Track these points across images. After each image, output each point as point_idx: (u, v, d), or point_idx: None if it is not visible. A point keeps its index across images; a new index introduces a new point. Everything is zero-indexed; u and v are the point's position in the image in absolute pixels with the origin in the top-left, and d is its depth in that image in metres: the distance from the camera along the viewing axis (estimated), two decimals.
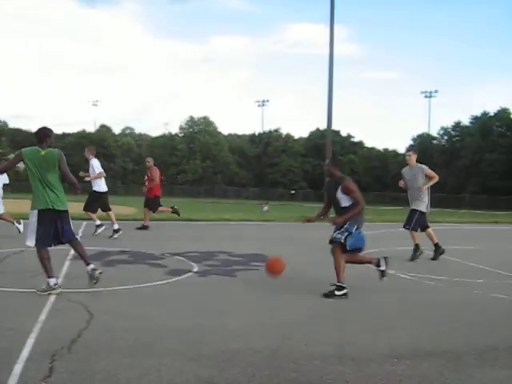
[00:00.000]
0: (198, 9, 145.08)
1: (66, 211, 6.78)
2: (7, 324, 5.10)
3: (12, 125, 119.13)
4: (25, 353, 4.30)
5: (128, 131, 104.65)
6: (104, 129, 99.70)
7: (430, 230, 10.60)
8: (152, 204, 14.65)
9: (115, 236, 12.46)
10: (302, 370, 4.18)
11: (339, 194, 7.10)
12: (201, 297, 6.74)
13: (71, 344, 4.56)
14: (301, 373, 4.13)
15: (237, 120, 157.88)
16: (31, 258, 9.15)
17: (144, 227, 14.49)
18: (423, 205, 10.38)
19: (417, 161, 10.59)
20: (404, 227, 10.59)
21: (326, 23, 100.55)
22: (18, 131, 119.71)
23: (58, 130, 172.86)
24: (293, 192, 73.96)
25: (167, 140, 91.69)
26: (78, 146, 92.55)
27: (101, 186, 12.86)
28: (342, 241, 6.93)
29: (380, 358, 4.56)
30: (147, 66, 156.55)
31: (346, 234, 6.95)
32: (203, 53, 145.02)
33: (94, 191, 12.89)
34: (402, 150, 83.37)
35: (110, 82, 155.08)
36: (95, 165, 12.78)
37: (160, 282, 7.41)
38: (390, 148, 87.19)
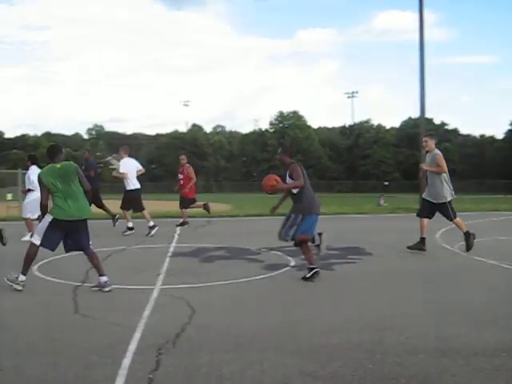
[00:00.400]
0: (282, 3, 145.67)
1: (85, 220, 6.90)
2: (114, 319, 5.29)
3: (108, 128, 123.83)
4: (132, 347, 4.45)
5: (219, 129, 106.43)
6: (196, 128, 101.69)
7: (425, 221, 9.67)
8: (186, 202, 14.61)
9: (127, 233, 12.61)
10: (406, 364, 4.09)
11: (288, 180, 7.50)
12: (299, 291, 6.74)
13: (175, 338, 4.67)
14: (404, 366, 4.04)
15: (326, 113, 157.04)
16: (133, 256, 9.52)
17: (184, 223, 14.44)
18: (447, 192, 9.45)
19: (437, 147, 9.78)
20: (449, 220, 9.68)
21: (413, 9, 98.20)
22: (114, 134, 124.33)
23: (151, 131, 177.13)
24: (386, 183, 72.62)
25: (258, 136, 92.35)
26: (171, 146, 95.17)
27: (134, 184, 13.09)
28: (290, 239, 7.54)
29: (487, 351, 4.38)
30: (235, 64, 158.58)
31: (294, 228, 7.42)
32: (290, 47, 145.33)
33: (128, 190, 13.13)
34: (499, 136, 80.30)
35: (200, 81, 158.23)
36: (122, 164, 13.23)
37: (258, 277, 7.47)
38: (487, 134, 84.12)
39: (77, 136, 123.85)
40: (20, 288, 6.68)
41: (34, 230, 10.49)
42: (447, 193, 9.48)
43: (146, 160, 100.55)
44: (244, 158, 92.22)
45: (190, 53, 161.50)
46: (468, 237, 9.44)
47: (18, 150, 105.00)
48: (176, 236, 12.22)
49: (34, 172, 11.50)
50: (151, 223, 12.60)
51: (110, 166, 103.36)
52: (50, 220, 6.71)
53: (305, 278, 7.25)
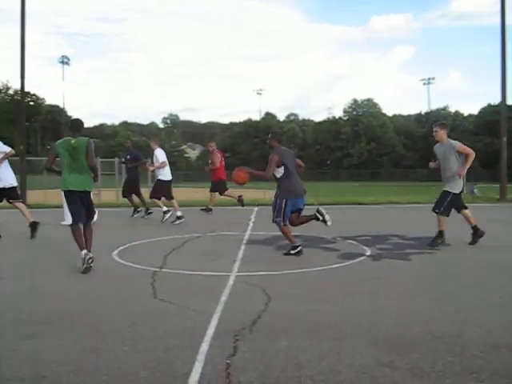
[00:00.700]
0: None
1: (86, 193, 7.54)
2: (191, 305, 5.38)
3: (183, 117, 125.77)
4: (209, 332, 4.51)
5: (292, 117, 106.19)
6: (269, 116, 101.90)
7: (466, 210, 9.18)
8: (218, 187, 14.78)
9: (177, 222, 12.64)
10: (488, 358, 3.96)
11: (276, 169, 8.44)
12: (375, 280, 6.65)
13: (252, 325, 4.71)
14: (486, 361, 3.92)
15: (401, 100, 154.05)
16: (208, 243, 9.65)
17: (208, 209, 14.73)
18: (457, 185, 8.96)
19: (448, 137, 9.20)
20: (433, 211, 9.15)
21: None
22: (189, 123, 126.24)
23: (225, 119, 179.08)
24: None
25: (331, 124, 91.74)
26: (244, 134, 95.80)
27: (166, 174, 13.31)
28: (283, 223, 8.36)
29: None
30: (309, 52, 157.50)
31: (281, 213, 8.33)
32: (364, 34, 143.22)
33: (159, 180, 13.35)
34: None
35: (274, 70, 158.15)
36: (158, 155, 13.28)
37: (334, 266, 7.43)
38: None
39: (152, 125, 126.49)
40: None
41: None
42: (457, 186, 8.99)
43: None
44: (317, 146, 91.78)
45: (264, 41, 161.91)
46: (439, 237, 9.02)
47: (95, 139, 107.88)
48: (251, 224, 12.32)
49: None
50: (179, 213, 12.86)
51: (185, 155, 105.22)
52: (63, 195, 7.62)
53: (286, 254, 8.26)
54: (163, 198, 13.41)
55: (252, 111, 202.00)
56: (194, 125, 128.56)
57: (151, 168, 13.84)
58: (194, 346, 4.18)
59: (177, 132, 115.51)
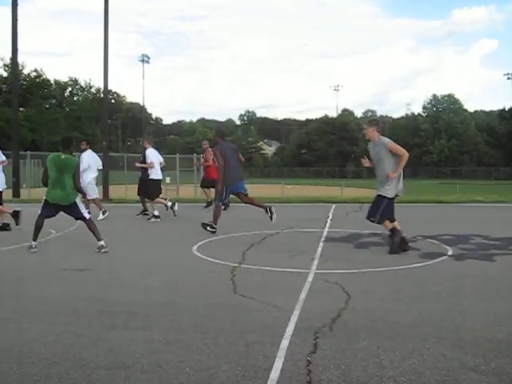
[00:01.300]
0: None
1: (70, 205, 8.42)
2: (271, 301, 5.39)
3: (259, 114, 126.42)
4: (289, 329, 4.51)
5: (369, 114, 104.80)
6: (346, 113, 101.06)
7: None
8: (209, 184, 15.25)
9: (152, 220, 12.86)
10: None
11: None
12: (458, 281, 6.46)
13: (332, 323, 4.68)
14: None
15: (483, 95, 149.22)
16: (287, 239, 9.66)
17: (208, 204, 15.31)
18: (391, 188, 8.13)
19: (382, 134, 8.47)
20: (368, 219, 8.36)
21: None
22: (265, 120, 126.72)
23: (301, 116, 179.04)
24: None
25: (410, 121, 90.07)
26: (320, 131, 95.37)
27: (157, 174, 13.57)
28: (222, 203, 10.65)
29: None
30: (387, 47, 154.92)
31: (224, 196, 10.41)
32: (445, 27, 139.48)
33: (151, 179, 13.44)
34: None
35: (351, 65, 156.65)
36: (147, 154, 13.46)
37: (414, 265, 7.26)
38: None
39: (229, 122, 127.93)
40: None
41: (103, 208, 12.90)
42: (391, 189, 8.20)
43: (295, 145, 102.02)
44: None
45: (341, 37, 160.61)
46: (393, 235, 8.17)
47: (174, 135, 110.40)
48: (329, 221, 12.23)
49: (88, 155, 13.33)
50: (156, 212, 13.05)
51: (262, 151, 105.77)
52: (44, 198, 8.50)
53: (203, 226, 10.16)
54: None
55: (328, 108, 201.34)
56: (271, 121, 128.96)
57: (137, 165, 14.18)
58: (275, 341, 4.19)
59: (253, 129, 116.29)
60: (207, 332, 4.47)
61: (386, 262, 7.45)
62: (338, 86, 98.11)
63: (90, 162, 13.37)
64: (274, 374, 3.61)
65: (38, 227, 8.55)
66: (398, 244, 8.07)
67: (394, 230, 8.17)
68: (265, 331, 4.48)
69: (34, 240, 8.52)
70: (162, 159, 14.20)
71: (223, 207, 11.66)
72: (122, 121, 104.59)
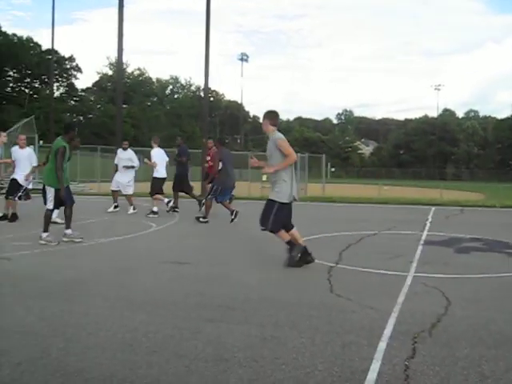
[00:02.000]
0: None
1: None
2: (368, 302, 5.32)
3: (357, 113, 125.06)
4: (387, 331, 4.43)
5: (472, 114, 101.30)
6: (447, 113, 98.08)
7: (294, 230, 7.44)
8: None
9: (150, 216, 13.43)
10: None
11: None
12: None
13: (431, 328, 4.55)
14: None
15: None
16: (384, 241, 9.50)
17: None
18: (281, 192, 7.23)
19: (278, 130, 7.54)
20: (261, 227, 7.42)
21: None
22: (363, 119, 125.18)
23: (400, 116, 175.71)
24: None
25: None
26: (420, 131, 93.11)
27: (160, 172, 14.37)
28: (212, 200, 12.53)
29: None
30: (492, 44, 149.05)
31: (216, 193, 12.36)
32: None
33: (154, 177, 14.39)
34: None
35: (454, 64, 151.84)
36: (153, 154, 14.44)
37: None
38: None
39: (326, 121, 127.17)
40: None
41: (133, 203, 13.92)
42: (283, 193, 7.27)
43: (392, 145, 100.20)
44: (499, 144, 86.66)
45: (444, 34, 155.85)
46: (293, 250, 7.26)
47: None
48: (428, 224, 11.94)
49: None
50: (155, 208, 13.84)
51: (359, 151, 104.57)
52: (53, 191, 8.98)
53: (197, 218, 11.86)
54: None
55: (429, 107, 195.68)
56: (368, 121, 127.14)
57: (147, 161, 15.19)
58: (372, 343, 4.13)
59: (350, 128, 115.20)
60: (303, 330, 4.47)
61: (487, 268, 7.17)
62: (439, 85, 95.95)
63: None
64: (371, 376, 3.56)
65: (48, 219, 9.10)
66: (298, 258, 7.19)
67: (291, 243, 7.29)
68: (361, 332, 4.42)
69: (46, 230, 8.96)
70: (167, 159, 14.94)
71: (228, 201, 13.04)
72: (220, 118, 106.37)
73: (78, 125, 10.24)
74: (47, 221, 8.94)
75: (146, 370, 3.64)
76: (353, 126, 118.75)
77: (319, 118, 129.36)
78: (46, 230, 8.89)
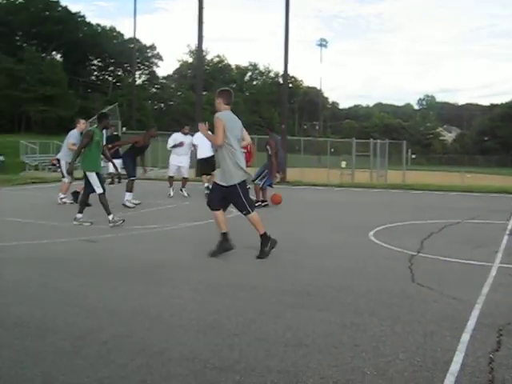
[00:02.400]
0: None
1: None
2: (451, 293, 5.21)
3: (439, 99, 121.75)
4: (471, 323, 4.33)
5: None
6: None
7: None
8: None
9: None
10: None
11: None
12: None
13: None
14: None
15: None
16: (468, 230, 9.26)
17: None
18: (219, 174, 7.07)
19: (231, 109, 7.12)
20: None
21: None
22: (445, 104, 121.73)
23: (484, 101, 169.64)
24: None
25: None
26: (505, 117, 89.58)
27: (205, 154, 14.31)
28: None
29: None
30: None
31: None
32: None
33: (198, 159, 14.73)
34: None
35: None
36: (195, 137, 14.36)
37: None
38: None
39: (407, 106, 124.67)
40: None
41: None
42: (221, 175, 6.93)
43: (476, 132, 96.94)
44: None
45: None
46: (264, 242, 6.93)
47: (350, 120, 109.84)
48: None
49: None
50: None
51: (441, 137, 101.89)
52: (95, 174, 9.46)
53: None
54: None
55: None
56: (451, 106, 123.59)
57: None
58: (455, 335, 4.05)
59: (432, 114, 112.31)
60: (384, 318, 4.44)
61: None
62: None
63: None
64: (454, 367, 3.49)
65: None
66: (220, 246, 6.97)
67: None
68: (444, 323, 4.34)
69: (110, 213, 9.35)
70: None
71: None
72: (299, 105, 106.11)
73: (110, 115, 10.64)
74: (105, 204, 9.29)
75: (227, 352, 3.72)
76: (435, 111, 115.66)
77: (400, 103, 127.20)
78: (109, 213, 9.24)
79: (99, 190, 9.33)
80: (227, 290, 5.28)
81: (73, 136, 12.60)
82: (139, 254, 7.08)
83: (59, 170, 13.57)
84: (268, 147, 12.33)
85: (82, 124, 12.89)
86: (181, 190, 14.48)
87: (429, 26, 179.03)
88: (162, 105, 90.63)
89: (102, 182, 9.48)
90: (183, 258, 6.88)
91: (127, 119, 48.77)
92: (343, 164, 27.83)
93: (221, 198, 6.95)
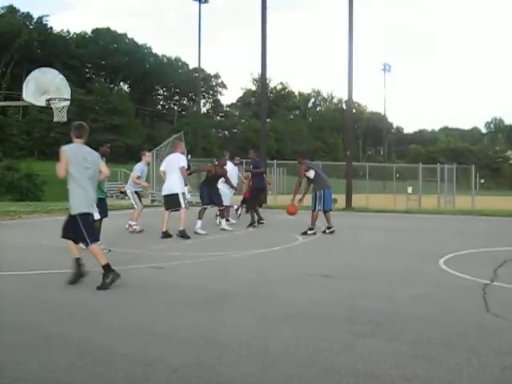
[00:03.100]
0: None
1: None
2: None
3: (508, 121, 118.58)
4: None
5: None
6: None
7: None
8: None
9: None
10: None
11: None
12: None
13: None
14: None
15: None
16: None
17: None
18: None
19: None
20: None
21: None
22: None
23: None
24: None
25: None
26: None
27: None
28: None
29: None
30: None
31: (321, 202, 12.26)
32: None
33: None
34: None
35: None
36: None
37: None
38: None
39: (474, 130, 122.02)
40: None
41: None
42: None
43: None
44: None
45: None
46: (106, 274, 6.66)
47: (415, 144, 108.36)
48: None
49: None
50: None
51: (510, 161, 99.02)
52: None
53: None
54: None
55: None
56: None
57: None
58: None
59: (501, 137, 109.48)
60: (459, 350, 4.28)
61: None
62: None
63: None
64: None
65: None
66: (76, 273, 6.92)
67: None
68: None
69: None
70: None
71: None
72: (363, 130, 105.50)
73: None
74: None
75: (297, 383, 3.66)
76: (503, 134, 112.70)
77: (466, 127, 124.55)
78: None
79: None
80: (295, 319, 5.23)
81: (137, 169, 13.13)
82: (206, 281, 7.11)
83: (126, 198, 14.09)
84: (306, 174, 12.46)
85: (147, 157, 13.33)
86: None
87: (495, 47, 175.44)
88: (226, 132, 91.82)
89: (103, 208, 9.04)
90: (250, 286, 6.86)
91: (192, 147, 49.58)
92: (409, 189, 27.39)
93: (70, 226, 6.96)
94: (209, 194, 12.79)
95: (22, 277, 7.47)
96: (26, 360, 4.09)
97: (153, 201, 25.45)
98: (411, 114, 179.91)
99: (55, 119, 14.13)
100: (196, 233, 12.02)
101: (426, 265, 8.18)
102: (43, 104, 13.74)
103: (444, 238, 11.40)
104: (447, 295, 6.26)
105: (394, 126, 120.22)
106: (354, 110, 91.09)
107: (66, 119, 14.17)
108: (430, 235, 12.14)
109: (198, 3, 52.66)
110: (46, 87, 13.59)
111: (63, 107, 14.01)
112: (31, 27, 70.85)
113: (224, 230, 12.76)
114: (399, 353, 4.22)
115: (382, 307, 5.65)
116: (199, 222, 12.28)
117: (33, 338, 4.63)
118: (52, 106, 13.75)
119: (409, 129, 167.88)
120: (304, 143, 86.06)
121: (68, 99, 13.93)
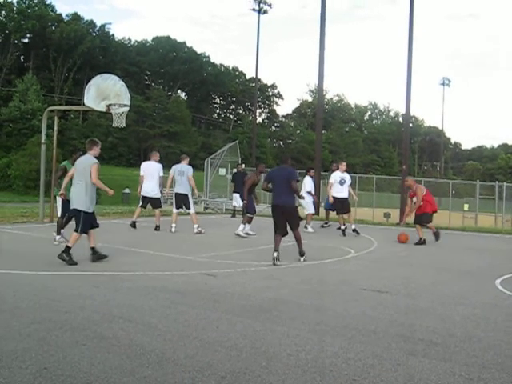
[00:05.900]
0: None
1: None
2: None
3: None
4: None
5: None
6: None
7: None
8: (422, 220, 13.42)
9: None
10: None
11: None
12: None
13: None
14: None
15: None
16: None
17: (421, 242, 13.10)
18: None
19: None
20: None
21: None
22: None
23: None
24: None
25: None
26: None
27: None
28: None
29: None
30: None
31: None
32: None
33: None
34: None
35: None
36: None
37: None
38: None
39: None
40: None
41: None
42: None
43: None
44: None
45: None
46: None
47: (473, 161, 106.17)
48: None
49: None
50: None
51: None
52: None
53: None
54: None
55: None
56: None
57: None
58: None
59: None
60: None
61: None
62: None
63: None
64: None
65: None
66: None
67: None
68: None
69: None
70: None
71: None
72: (419, 144, 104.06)
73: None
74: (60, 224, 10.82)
75: None
76: None
77: None
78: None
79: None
80: (346, 333, 5.17)
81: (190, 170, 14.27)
82: (257, 290, 7.11)
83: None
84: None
85: (186, 160, 14.58)
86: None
87: None
88: (281, 143, 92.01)
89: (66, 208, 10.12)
90: (300, 296, 6.83)
91: (247, 156, 49.91)
92: (466, 207, 26.84)
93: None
94: (252, 203, 13.60)
95: (76, 277, 7.64)
96: (77, 359, 4.19)
97: (206, 208, 25.65)
98: (470, 130, 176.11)
99: (114, 124, 14.46)
100: (237, 235, 13.15)
101: (481, 284, 7.99)
102: (103, 109, 14.03)
103: (501, 257, 11.07)
104: (503, 317, 6.08)
105: (452, 141, 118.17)
106: (410, 124, 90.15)
107: (124, 125, 14.51)
108: (486, 254, 11.83)
109: (257, 14, 53.23)
110: (106, 93, 13.86)
111: (122, 113, 14.31)
112: (94, 34, 72.86)
113: (248, 234, 13.47)
114: (451, 374, 4.13)
115: (436, 326, 5.54)
116: (242, 226, 13.32)
117: (85, 338, 4.73)
118: (111, 111, 14.03)
119: (467, 145, 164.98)
120: (359, 156, 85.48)
121: (127, 105, 14.18)
